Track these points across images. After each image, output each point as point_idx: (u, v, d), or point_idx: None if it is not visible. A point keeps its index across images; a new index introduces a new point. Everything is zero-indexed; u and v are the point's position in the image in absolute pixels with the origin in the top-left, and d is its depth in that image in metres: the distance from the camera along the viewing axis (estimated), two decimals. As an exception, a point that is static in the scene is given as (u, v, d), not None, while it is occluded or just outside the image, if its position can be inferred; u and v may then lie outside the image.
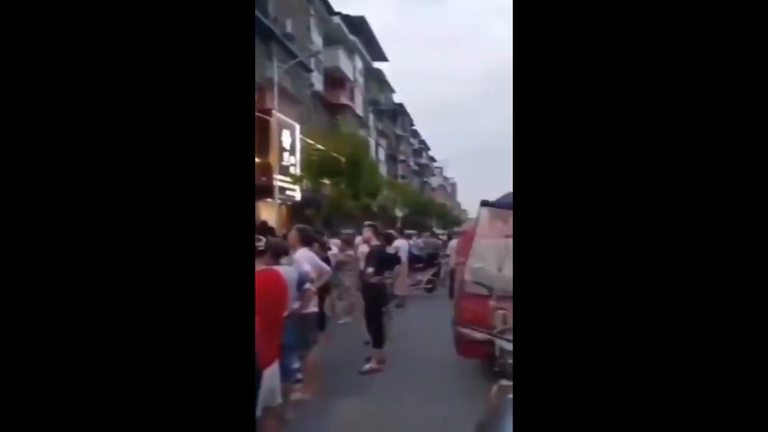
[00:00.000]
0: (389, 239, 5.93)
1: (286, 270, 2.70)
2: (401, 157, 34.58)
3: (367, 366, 4.42)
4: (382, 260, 4.75)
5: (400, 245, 7.42)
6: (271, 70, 13.48)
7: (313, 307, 3.52)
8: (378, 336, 4.52)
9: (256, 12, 13.04)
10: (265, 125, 12.85)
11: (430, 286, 9.76)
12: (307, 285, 3.11)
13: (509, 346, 1.68)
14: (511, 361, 1.64)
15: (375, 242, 4.81)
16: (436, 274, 10.18)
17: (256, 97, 12.70)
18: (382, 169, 25.04)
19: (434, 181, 49.51)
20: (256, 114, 12.68)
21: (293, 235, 3.88)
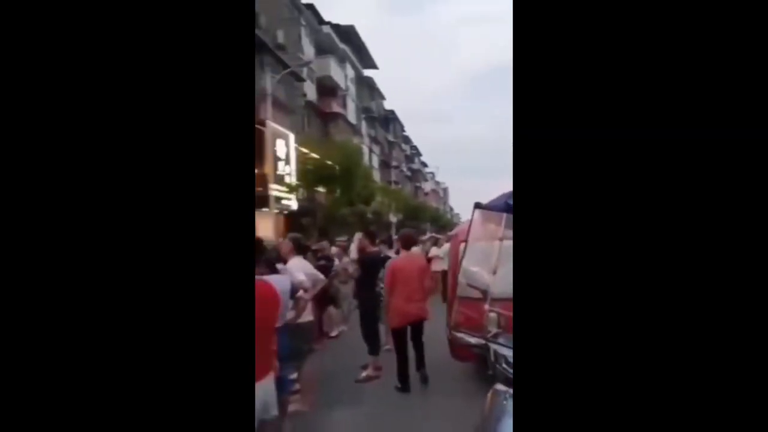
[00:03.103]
0: (390, 244, 5.89)
1: (278, 279, 2.62)
2: (394, 163, 34.69)
3: (364, 374, 4.39)
4: (377, 266, 4.71)
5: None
6: (264, 80, 13.59)
7: (308, 317, 3.49)
8: (374, 343, 4.50)
9: (248, 24, 13.15)
10: (260, 135, 12.94)
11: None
12: (300, 293, 3.07)
13: (503, 350, 1.65)
14: (505, 365, 1.62)
15: (371, 249, 4.76)
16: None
17: (249, 108, 12.78)
18: (376, 176, 25.09)
19: (427, 186, 49.64)
20: (250, 125, 12.75)
21: (286, 244, 3.88)
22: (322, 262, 5.89)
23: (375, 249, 4.88)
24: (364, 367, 4.47)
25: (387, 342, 4.78)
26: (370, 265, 4.62)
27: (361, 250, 4.74)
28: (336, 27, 22.81)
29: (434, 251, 8.47)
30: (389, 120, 34.80)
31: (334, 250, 6.86)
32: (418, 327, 4.18)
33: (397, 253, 5.06)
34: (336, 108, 21.57)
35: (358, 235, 4.82)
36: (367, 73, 28.88)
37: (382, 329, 4.80)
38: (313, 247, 6.69)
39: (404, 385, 4.01)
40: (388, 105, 34.29)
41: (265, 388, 1.99)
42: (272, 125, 13.20)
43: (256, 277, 2.06)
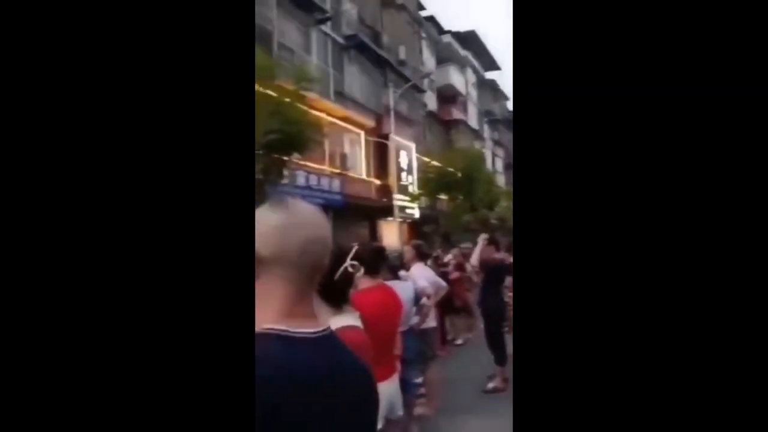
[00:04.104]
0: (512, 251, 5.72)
1: (402, 285, 2.71)
2: (520, 166, 33.04)
3: (491, 385, 4.31)
4: (502, 273, 4.59)
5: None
6: (387, 96, 14.35)
7: (431, 323, 3.58)
8: (500, 353, 4.39)
9: (371, 44, 14.10)
10: (384, 149, 13.70)
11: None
12: (424, 300, 3.15)
13: None
14: None
15: (495, 256, 4.62)
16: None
17: (373, 124, 13.64)
18: (500, 180, 24.35)
19: (558, 188, 46.03)
20: (375, 140, 13.60)
21: (408, 251, 3.99)
22: (444, 269, 5.95)
23: (499, 256, 4.76)
24: (491, 377, 4.41)
25: (516, 353, 4.63)
26: (494, 273, 4.50)
27: (484, 255, 4.58)
28: (456, 35, 22.93)
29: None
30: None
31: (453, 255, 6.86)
32: None
33: None
34: (457, 114, 21.63)
35: (482, 237, 4.60)
36: (490, 75, 28.32)
37: (509, 339, 4.69)
38: (438, 255, 6.78)
39: None
40: (512, 105, 32.98)
41: (390, 389, 2.04)
42: (395, 138, 13.84)
43: (380, 281, 2.19)
